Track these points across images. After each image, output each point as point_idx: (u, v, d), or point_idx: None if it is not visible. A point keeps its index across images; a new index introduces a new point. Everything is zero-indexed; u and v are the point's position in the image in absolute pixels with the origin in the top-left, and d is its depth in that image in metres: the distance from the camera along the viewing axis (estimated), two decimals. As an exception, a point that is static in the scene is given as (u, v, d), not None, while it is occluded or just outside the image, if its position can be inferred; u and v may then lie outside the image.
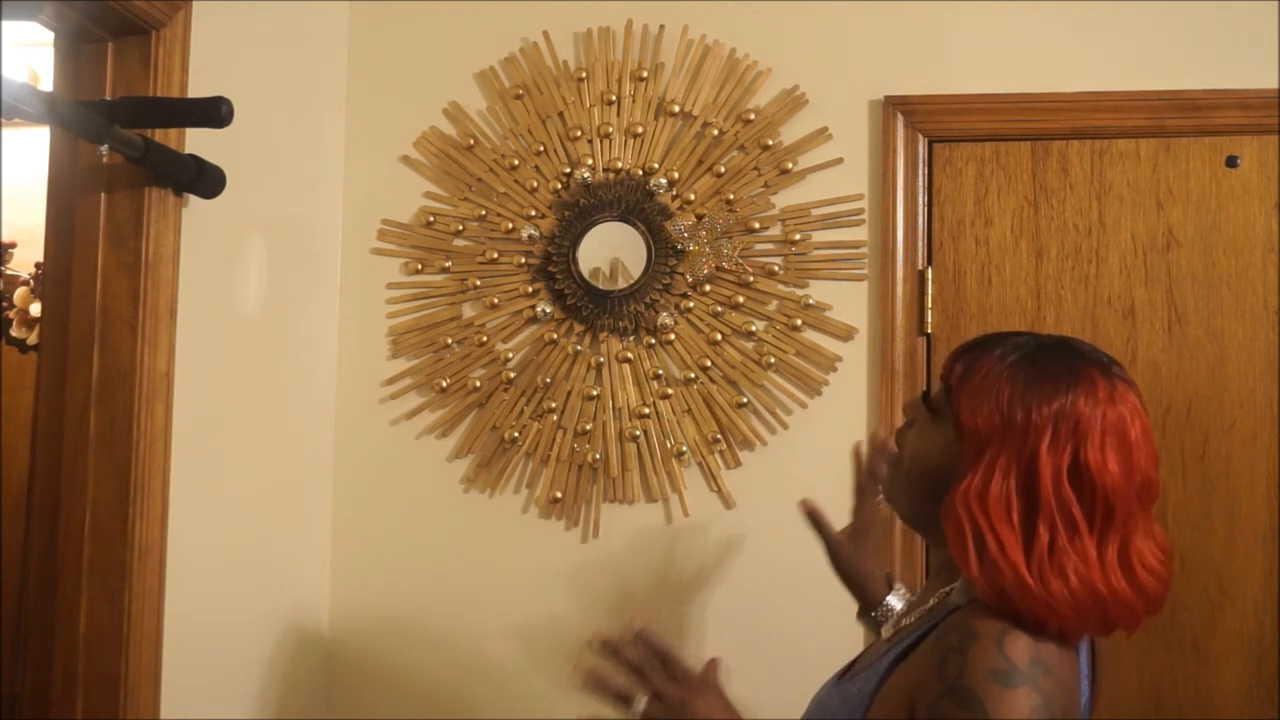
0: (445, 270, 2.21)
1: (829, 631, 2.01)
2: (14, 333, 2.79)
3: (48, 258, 1.70)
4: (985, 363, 1.17)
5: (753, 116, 2.14)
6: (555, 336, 2.16)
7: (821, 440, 2.09)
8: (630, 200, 2.14)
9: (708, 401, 2.12)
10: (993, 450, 1.12)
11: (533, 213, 2.19)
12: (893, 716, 1.12)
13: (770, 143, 2.13)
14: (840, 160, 2.12)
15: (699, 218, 2.14)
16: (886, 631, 1.28)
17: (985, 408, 1.13)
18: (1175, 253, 2.05)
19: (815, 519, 1.61)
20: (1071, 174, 2.08)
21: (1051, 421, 1.11)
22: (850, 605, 1.57)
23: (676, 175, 2.15)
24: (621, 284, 2.14)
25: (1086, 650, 1.18)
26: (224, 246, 1.87)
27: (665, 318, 2.14)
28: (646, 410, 2.13)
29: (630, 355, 2.14)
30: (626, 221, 2.15)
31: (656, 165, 2.15)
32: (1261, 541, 1.99)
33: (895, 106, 2.09)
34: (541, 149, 2.19)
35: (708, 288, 2.13)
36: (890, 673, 1.16)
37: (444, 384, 2.20)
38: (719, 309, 2.13)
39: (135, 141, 1.58)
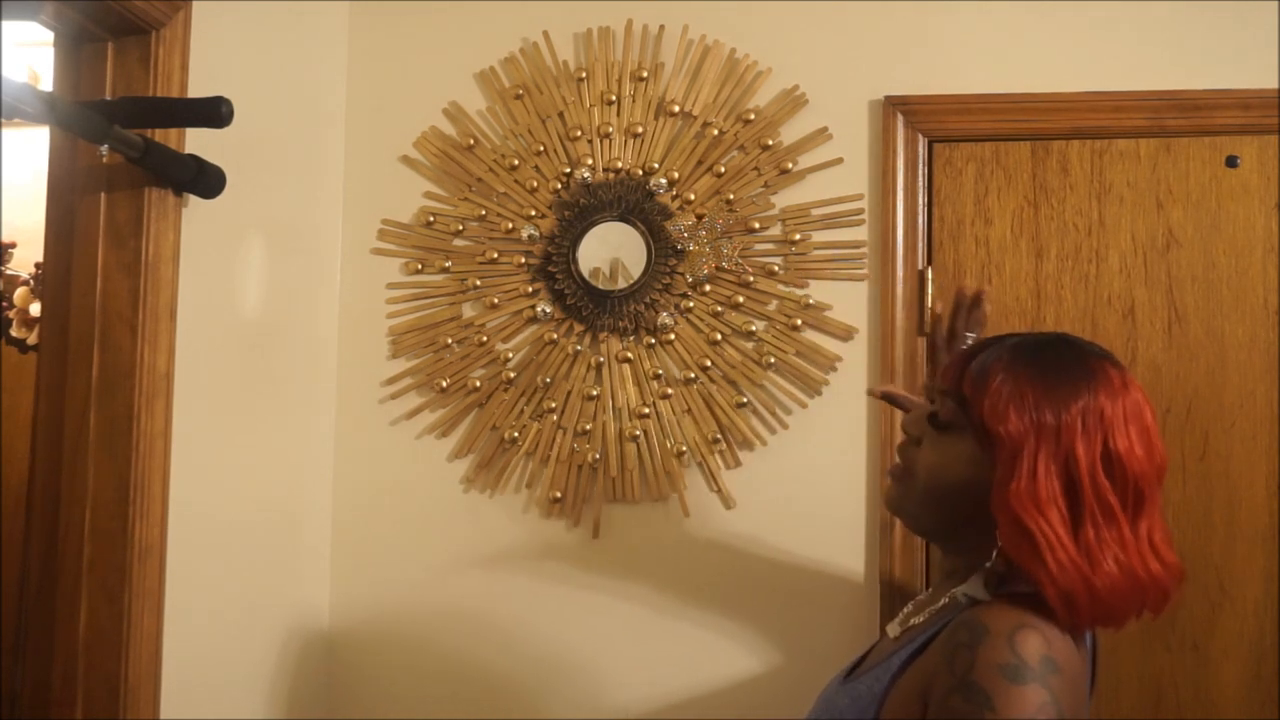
0: (445, 270, 2.21)
1: (830, 631, 2.01)
2: (14, 333, 2.79)
3: (48, 258, 1.70)
4: (995, 369, 1.19)
5: (753, 116, 2.14)
6: (555, 336, 2.16)
7: (821, 440, 2.09)
8: (630, 200, 2.14)
9: (708, 401, 2.12)
10: (1028, 452, 1.15)
11: (533, 213, 2.19)
12: (906, 715, 1.13)
13: (770, 143, 2.13)
14: (840, 160, 2.12)
15: (699, 218, 2.14)
16: (894, 631, 1.29)
17: (1012, 413, 1.16)
18: (1175, 253, 2.05)
19: (893, 399, 1.74)
20: (1071, 174, 2.08)
21: (1080, 416, 1.15)
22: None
23: (676, 175, 2.14)
24: (621, 284, 2.14)
25: (1088, 645, 1.19)
26: (224, 246, 1.87)
27: (665, 318, 2.13)
28: (646, 410, 2.13)
29: (630, 355, 2.14)
30: (626, 221, 2.15)
31: (656, 165, 2.15)
32: (1261, 541, 1.99)
33: (895, 106, 2.09)
34: (541, 149, 2.19)
35: (708, 288, 2.13)
36: (902, 672, 1.17)
37: (444, 384, 2.20)
38: (719, 309, 2.13)
39: (135, 141, 1.58)
